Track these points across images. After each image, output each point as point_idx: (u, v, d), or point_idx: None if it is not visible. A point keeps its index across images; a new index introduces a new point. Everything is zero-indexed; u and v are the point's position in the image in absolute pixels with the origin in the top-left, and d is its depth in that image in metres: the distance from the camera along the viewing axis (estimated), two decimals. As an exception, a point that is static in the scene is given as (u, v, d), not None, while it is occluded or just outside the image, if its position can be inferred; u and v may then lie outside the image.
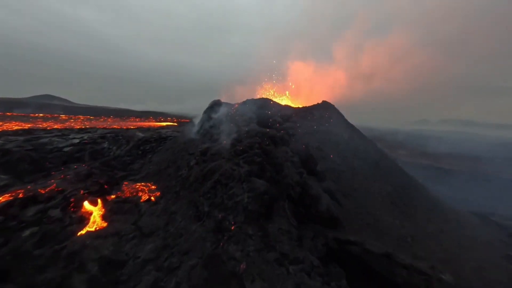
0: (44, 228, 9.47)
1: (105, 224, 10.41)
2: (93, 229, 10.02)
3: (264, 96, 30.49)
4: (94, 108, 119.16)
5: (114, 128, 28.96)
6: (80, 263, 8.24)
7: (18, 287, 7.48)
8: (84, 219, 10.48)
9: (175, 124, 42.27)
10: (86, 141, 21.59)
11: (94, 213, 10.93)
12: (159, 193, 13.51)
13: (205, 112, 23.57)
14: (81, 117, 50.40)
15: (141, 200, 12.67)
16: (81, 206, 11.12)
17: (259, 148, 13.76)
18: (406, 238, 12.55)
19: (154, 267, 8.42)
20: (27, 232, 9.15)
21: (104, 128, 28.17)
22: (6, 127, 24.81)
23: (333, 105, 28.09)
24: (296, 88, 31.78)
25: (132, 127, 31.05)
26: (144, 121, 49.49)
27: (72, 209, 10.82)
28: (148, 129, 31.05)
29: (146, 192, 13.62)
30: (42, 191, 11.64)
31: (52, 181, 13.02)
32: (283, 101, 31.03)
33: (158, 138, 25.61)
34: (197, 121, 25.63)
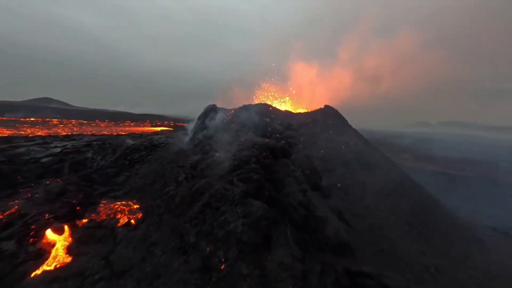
0: (-11, 268, 7.64)
1: (68, 260, 8.57)
2: (52, 267, 8.17)
3: (263, 100, 28.83)
4: (92, 111, 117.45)
5: (103, 134, 27.21)
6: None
7: None
8: (43, 253, 8.64)
9: (171, 129, 40.52)
10: (68, 150, 19.79)
11: (58, 245, 9.09)
12: (141, 214, 11.68)
13: (199, 118, 21.85)
14: (74, 121, 48.66)
15: (119, 224, 10.84)
16: (43, 235, 9.29)
17: (257, 162, 11.99)
18: (429, 268, 10.72)
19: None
20: (-35, 276, 7.33)
21: (93, 134, 26.42)
22: (-15, 134, 23.05)
23: (336, 110, 26.42)
24: (296, 91, 30.19)
25: (123, 133, 29.32)
26: (138, 126, 47.76)
27: (30, 239, 8.99)
28: (141, 135, 29.30)
29: (126, 213, 11.79)
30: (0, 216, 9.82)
31: (16, 201, 11.21)
32: (283, 104, 29.35)
33: (149, 146, 23.80)
34: (190, 127, 23.88)
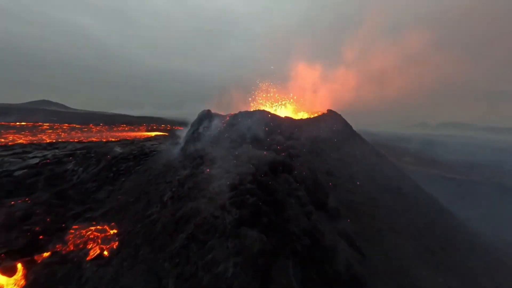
0: None
1: (14, 313, 6.79)
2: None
3: (262, 102, 27.14)
4: (90, 113, 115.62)
5: (91, 141, 25.45)
6: None
7: None
8: (-18, 305, 6.86)
9: (166, 133, 38.72)
10: (48, 160, 18.02)
11: (4, 292, 7.32)
12: (116, 243, 9.91)
13: (192, 125, 20.14)
14: (66, 125, 46.85)
15: (88, 258, 9.07)
16: (-13, 279, 7.52)
17: (253, 181, 10.26)
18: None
19: None
20: None
21: (79, 141, 24.66)
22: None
23: (340, 115, 24.78)
24: (297, 93, 28.56)
25: (113, 139, 27.55)
26: (133, 130, 45.97)
27: (-31, 286, 7.21)
28: (132, 141, 27.48)
29: (99, 241, 10.02)
30: None
31: (-33, 230, 9.43)
32: (284, 107, 27.62)
33: (138, 155, 22.01)
34: (183, 134, 22.18)
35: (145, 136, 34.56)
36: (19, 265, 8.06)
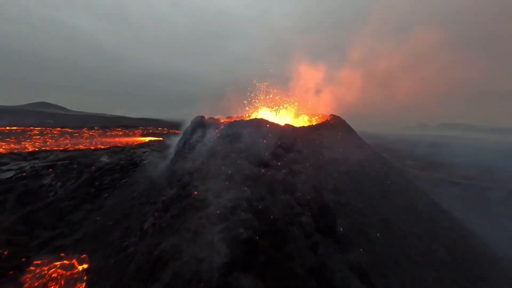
0: None
1: None
2: None
3: (260, 106, 25.44)
4: (87, 116, 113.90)
5: (78, 149, 23.73)
6: None
7: None
8: None
9: (160, 139, 36.99)
10: (24, 173, 16.31)
11: None
12: (83, 284, 8.21)
13: (184, 133, 18.45)
14: (58, 129, 45.08)
15: (45, 307, 7.36)
16: None
17: (248, 208, 8.57)
18: None
19: None
20: None
21: (64, 149, 22.93)
22: None
23: (344, 120, 23.13)
24: (297, 95, 26.87)
25: (102, 146, 25.83)
26: (127, 135, 44.21)
27: None
28: (123, 148, 25.75)
29: (62, 282, 8.31)
30: None
31: None
32: (283, 112, 25.89)
33: (126, 165, 20.31)
34: (174, 142, 20.49)
35: (138, 142, 32.85)
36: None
